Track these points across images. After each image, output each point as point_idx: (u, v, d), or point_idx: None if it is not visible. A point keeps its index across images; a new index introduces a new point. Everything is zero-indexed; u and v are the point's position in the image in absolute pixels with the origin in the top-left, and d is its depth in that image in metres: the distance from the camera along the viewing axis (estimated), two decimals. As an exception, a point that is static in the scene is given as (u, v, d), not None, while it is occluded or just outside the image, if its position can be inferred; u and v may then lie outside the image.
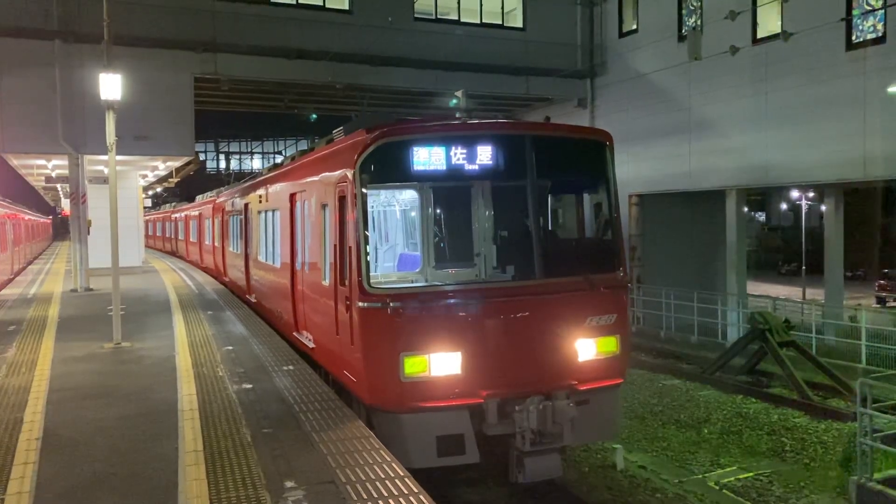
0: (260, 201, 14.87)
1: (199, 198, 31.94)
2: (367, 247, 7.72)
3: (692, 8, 23.54)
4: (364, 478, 5.96)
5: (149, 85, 19.75)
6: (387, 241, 11.03)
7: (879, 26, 18.18)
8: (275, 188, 13.39)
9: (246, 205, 16.92)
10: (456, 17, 25.55)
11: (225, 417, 7.70)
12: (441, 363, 7.57)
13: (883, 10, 17.90)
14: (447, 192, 9.52)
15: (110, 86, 12.32)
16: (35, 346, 11.83)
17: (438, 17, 25.30)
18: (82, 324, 14.17)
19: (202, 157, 73.79)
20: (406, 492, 5.69)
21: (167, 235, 44.51)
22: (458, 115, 8.66)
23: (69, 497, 5.76)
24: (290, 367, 10.04)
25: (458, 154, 7.85)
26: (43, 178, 32.23)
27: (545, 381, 7.87)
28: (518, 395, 7.71)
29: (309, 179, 10.40)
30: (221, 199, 22.56)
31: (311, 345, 10.25)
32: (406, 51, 23.53)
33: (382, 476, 6.00)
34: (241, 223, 17.77)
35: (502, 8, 26.38)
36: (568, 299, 8.03)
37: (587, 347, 8.14)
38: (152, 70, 20.30)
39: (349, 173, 7.95)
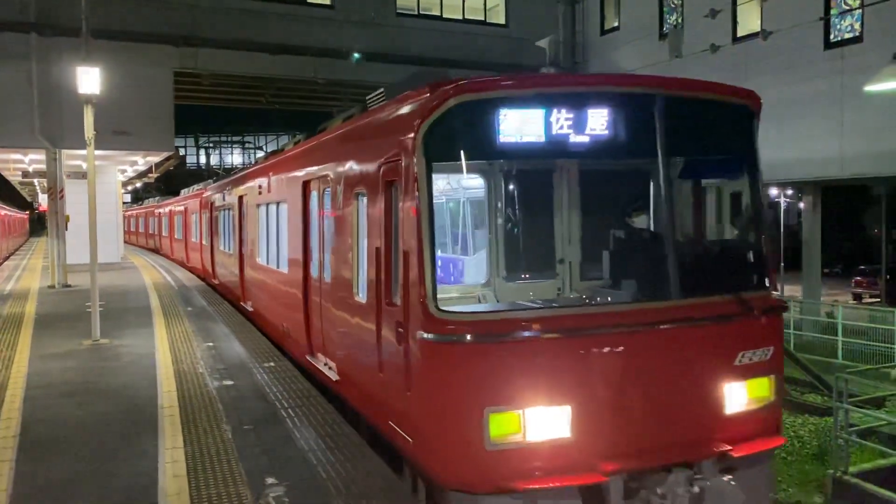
0: (259, 193, 12.86)
1: (184, 191, 30.93)
2: (435, 252, 5.47)
3: (673, 6, 23.70)
4: (345, 473, 5.96)
5: (128, 79, 19.54)
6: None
7: (857, 26, 18.40)
8: (280, 177, 11.24)
9: (240, 197, 14.96)
10: (438, 13, 25.54)
11: (205, 414, 7.66)
12: (542, 422, 5.27)
13: (860, 10, 18.13)
14: (529, 174, 7.34)
15: (88, 80, 12.18)
16: (12, 343, 11.68)
17: (421, 12, 25.28)
18: (60, 321, 14.01)
19: (182, 152, 73.33)
20: (389, 488, 5.69)
21: (150, 232, 43.97)
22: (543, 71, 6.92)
23: (47, 494, 5.71)
24: (271, 364, 10.00)
25: (562, 120, 5.55)
26: (19, 172, 31.80)
27: (689, 446, 5.67)
28: (652, 468, 5.51)
29: (333, 162, 8.23)
30: (210, 192, 20.99)
31: (335, 376, 8.01)
32: (388, 46, 23.47)
33: (365, 473, 5.99)
34: (234, 219, 15.76)
35: (485, 4, 26.39)
36: (716, 329, 5.85)
37: (737, 395, 5.90)
38: (131, 64, 20.08)
39: (407, 146, 5.69)
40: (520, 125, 5.49)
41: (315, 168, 9.08)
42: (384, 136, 6.49)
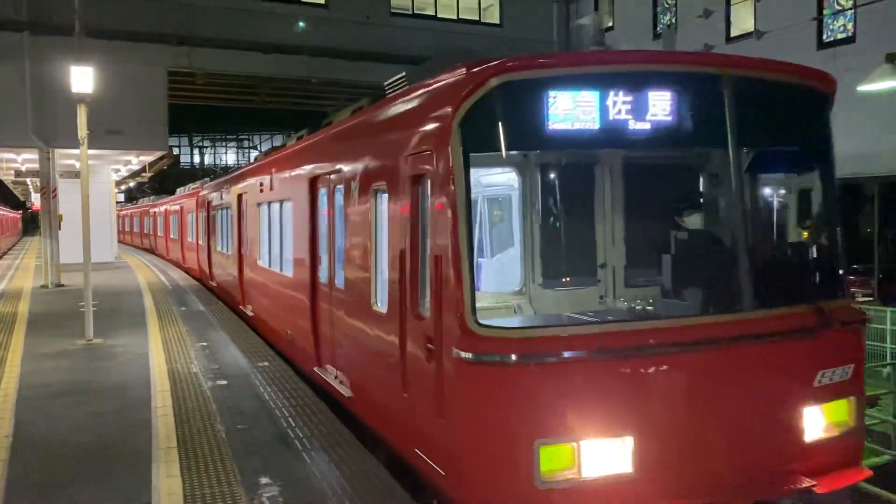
0: (261, 190, 12.16)
1: (179, 190, 30.20)
2: (473, 256, 4.77)
3: (667, 6, 23.76)
4: (341, 473, 5.96)
5: (122, 78, 19.48)
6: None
7: (849, 26, 18.48)
8: (284, 173, 10.49)
9: (240, 196, 14.23)
10: (433, 13, 25.57)
11: (199, 414, 7.64)
12: (600, 456, 4.58)
13: (852, 11, 18.21)
14: (572, 167, 6.51)
15: (82, 79, 12.16)
16: (4, 343, 11.63)
17: (415, 12, 25.30)
18: (53, 320, 13.97)
19: (176, 151, 73.19)
20: (383, 487, 5.69)
21: (145, 231, 43.79)
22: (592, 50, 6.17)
23: (41, 495, 5.69)
24: (265, 364, 9.96)
25: (619, 104, 4.80)
26: (12, 171, 31.69)
27: (767, 481, 4.96)
28: None
29: (346, 156, 7.50)
30: (206, 191, 20.19)
31: (347, 392, 7.29)
32: (382, 46, 23.47)
33: (360, 472, 5.99)
34: (233, 219, 14.98)
35: (479, 4, 26.43)
36: (794, 345, 5.11)
37: (817, 421, 5.18)
38: (125, 63, 20.02)
39: (439, 135, 5.01)
40: (571, 110, 4.73)
41: (325, 163, 8.32)
42: (410, 125, 5.73)
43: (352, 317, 7.12)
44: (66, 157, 22.61)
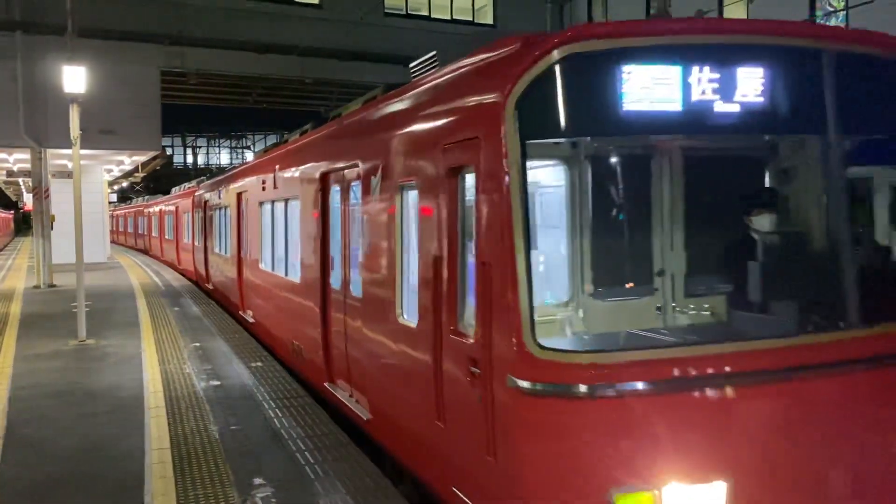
0: (263, 189, 11.39)
1: (175, 189, 29.84)
2: (531, 264, 3.99)
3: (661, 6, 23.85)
4: (334, 473, 5.95)
5: (114, 78, 19.45)
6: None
7: (842, 27, 18.60)
8: (290, 170, 9.72)
9: (239, 195, 13.55)
10: (427, 13, 25.60)
11: (192, 414, 7.63)
12: None
13: (844, 12, 18.31)
14: (634, 158, 5.50)
15: (74, 79, 12.14)
16: (-4, 344, 11.61)
17: (409, 12, 25.33)
18: (45, 321, 13.93)
19: (169, 151, 73.02)
20: (376, 487, 5.69)
21: (139, 232, 43.59)
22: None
23: (33, 496, 5.67)
24: (259, 364, 9.94)
25: (704, 82, 4.08)
26: (4, 171, 31.57)
27: None
28: None
29: (364, 149, 6.67)
30: (203, 190, 19.51)
31: (366, 415, 6.54)
32: (376, 46, 23.49)
33: (353, 472, 5.99)
34: (232, 219, 14.17)
35: (473, 4, 26.47)
36: None
37: None
38: (118, 63, 19.99)
39: (489, 119, 4.21)
40: (649, 88, 4.01)
41: (338, 157, 7.59)
42: (448, 110, 5.02)
43: (372, 329, 6.31)
44: (58, 157, 22.53)
